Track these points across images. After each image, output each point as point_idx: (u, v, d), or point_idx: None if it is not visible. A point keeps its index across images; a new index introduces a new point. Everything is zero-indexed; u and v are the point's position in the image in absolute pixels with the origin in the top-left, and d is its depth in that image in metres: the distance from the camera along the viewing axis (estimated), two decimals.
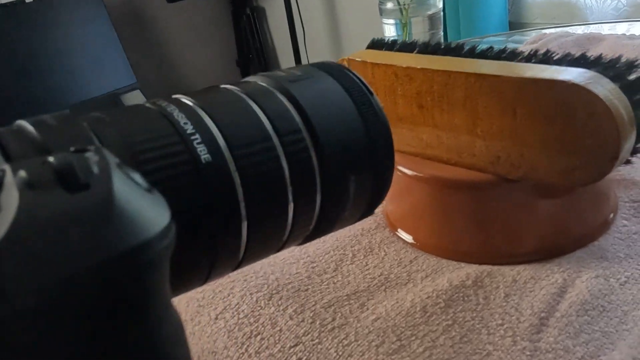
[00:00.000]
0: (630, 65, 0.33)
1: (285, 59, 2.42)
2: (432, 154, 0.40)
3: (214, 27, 2.41)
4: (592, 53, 0.66)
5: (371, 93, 0.31)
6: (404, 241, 0.42)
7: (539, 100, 0.32)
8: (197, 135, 0.25)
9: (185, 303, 0.39)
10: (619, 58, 0.34)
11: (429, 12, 0.72)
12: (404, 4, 0.71)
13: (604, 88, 0.31)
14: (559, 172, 0.33)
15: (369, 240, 0.43)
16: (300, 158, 0.28)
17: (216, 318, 0.37)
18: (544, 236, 0.38)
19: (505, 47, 0.38)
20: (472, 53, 0.39)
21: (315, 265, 0.41)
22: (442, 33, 0.74)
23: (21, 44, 1.77)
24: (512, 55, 0.37)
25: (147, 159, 0.24)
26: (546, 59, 0.35)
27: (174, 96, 0.28)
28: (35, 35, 1.80)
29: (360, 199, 0.31)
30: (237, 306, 0.38)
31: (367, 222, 0.45)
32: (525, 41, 0.79)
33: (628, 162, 0.34)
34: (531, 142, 0.34)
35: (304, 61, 2.13)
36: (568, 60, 0.34)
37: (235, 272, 0.42)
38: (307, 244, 0.35)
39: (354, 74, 0.31)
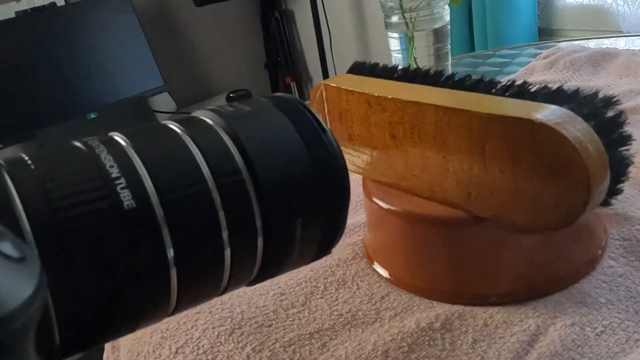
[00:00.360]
0: (608, 102, 0.31)
1: (313, 63, 2.41)
2: (406, 186, 0.38)
3: (242, 31, 2.42)
4: (606, 70, 0.63)
5: (324, 131, 0.29)
6: (379, 275, 0.40)
7: (507, 138, 0.31)
8: (122, 180, 0.24)
9: (149, 334, 0.39)
10: (596, 93, 0.31)
11: (435, 26, 0.70)
12: (410, 18, 0.70)
13: (575, 128, 0.29)
14: (529, 214, 0.31)
15: (343, 272, 0.41)
16: (238, 201, 0.26)
17: (176, 352, 0.36)
18: (520, 276, 0.36)
19: (483, 76, 0.36)
20: (449, 82, 0.37)
21: (284, 297, 0.39)
22: (449, 47, 0.72)
23: (52, 46, 1.81)
24: (489, 86, 0.35)
25: (62, 207, 0.23)
26: (522, 91, 0.33)
27: (110, 134, 0.27)
28: (65, 38, 1.83)
29: (309, 241, 0.29)
30: (198, 340, 0.37)
31: (345, 252, 0.43)
32: (539, 55, 0.76)
33: (607, 203, 0.32)
34: (501, 181, 0.32)
35: (329, 65, 2.12)
36: (544, 94, 0.32)
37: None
38: None
39: (308, 109, 0.30)
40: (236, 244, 0.26)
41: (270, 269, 0.29)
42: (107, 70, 1.92)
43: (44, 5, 1.87)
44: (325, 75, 2.12)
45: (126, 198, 0.23)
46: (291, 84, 2.47)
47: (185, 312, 0.39)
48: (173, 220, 0.24)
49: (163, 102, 2.09)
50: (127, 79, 1.95)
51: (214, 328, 0.37)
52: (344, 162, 0.29)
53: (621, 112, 0.30)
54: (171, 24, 2.22)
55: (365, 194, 0.40)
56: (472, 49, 1.52)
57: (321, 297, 0.39)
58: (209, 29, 2.30)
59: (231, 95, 1.88)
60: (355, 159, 0.42)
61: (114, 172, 0.24)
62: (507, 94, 0.33)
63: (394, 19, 0.70)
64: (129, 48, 1.95)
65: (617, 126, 0.30)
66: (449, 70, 0.73)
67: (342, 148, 0.42)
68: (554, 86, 0.33)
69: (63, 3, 1.99)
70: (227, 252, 0.26)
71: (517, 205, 0.32)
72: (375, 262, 0.41)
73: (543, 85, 0.33)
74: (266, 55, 2.49)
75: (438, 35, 0.70)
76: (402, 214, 0.37)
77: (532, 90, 0.33)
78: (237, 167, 0.26)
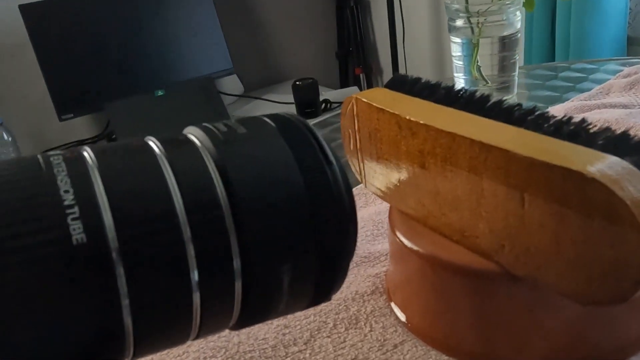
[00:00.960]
0: None
1: (384, 55, 2.35)
2: (434, 225, 0.33)
3: (316, 18, 2.38)
4: None
5: (330, 164, 0.25)
6: (397, 317, 0.36)
7: (551, 190, 0.25)
8: (75, 209, 0.21)
9: None
10: None
11: (504, 33, 0.63)
12: (477, 23, 0.64)
13: (636, 188, 0.23)
14: (570, 283, 0.26)
15: (358, 308, 0.37)
16: (214, 239, 0.23)
17: None
18: (556, 346, 0.30)
19: (535, 106, 0.30)
20: (496, 109, 0.32)
21: (288, 331, 0.36)
22: (517, 57, 0.65)
23: (126, 21, 1.83)
24: (540, 120, 0.29)
25: None
26: (578, 132, 0.28)
27: (80, 149, 0.23)
28: (140, 14, 1.85)
29: (300, 290, 0.25)
30: None
31: (364, 284, 0.39)
32: (619, 73, 0.69)
33: None
34: (540, 238, 0.27)
35: (400, 59, 2.05)
36: (604, 138, 0.27)
37: None
38: None
39: (315, 136, 0.26)
40: (208, 287, 0.23)
41: (254, 316, 0.25)
42: (178, 48, 1.93)
43: None
44: (395, 68, 2.06)
45: (76, 231, 0.20)
46: (360, 75, 2.42)
47: None
48: (131, 258, 0.21)
49: (231, 84, 2.09)
50: (197, 58, 1.96)
51: (205, 358, 0.34)
52: (351, 204, 0.25)
53: None
54: (245, 7, 2.21)
55: (390, 225, 0.36)
56: (552, 58, 1.42)
57: (328, 337, 0.35)
58: (282, 15, 2.28)
59: (297, 82, 1.85)
60: (382, 185, 0.37)
61: (68, 198, 0.21)
62: (560, 132, 0.28)
63: (459, 22, 0.64)
64: (202, 28, 1.95)
65: None
66: (515, 82, 0.67)
67: (371, 171, 0.38)
68: (619, 129, 0.27)
69: None
70: (197, 296, 0.22)
71: (556, 269, 0.26)
72: (393, 302, 0.36)
73: (606, 126, 0.28)
74: (338, 44, 2.44)
75: (506, 43, 0.64)
76: (424, 256, 0.32)
77: (592, 131, 0.28)
78: (218, 200, 0.23)
